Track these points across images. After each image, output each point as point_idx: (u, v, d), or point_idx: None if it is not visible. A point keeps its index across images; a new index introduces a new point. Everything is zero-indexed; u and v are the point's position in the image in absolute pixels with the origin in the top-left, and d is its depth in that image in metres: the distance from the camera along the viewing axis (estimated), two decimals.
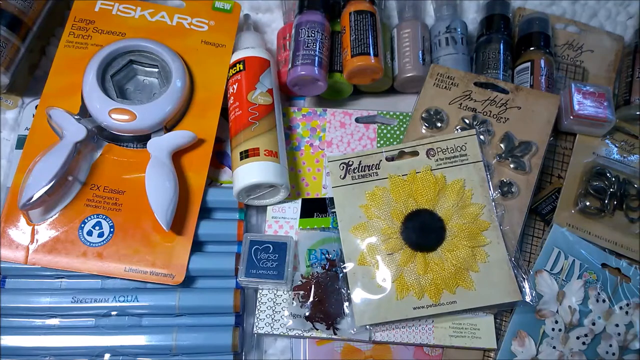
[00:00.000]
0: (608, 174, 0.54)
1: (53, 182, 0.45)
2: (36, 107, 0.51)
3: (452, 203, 0.49)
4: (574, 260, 0.51)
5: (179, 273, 0.47)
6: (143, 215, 0.48)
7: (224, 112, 0.53)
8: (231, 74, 0.53)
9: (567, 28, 0.62)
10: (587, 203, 0.53)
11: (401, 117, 0.56)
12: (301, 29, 0.53)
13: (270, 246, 0.48)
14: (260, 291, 0.49)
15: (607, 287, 0.51)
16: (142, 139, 0.50)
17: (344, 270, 0.47)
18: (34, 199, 0.45)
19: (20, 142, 0.52)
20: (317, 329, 0.48)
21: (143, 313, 0.47)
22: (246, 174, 0.48)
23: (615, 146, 0.56)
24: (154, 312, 0.48)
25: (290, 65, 0.53)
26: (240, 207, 0.51)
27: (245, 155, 0.48)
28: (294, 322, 0.48)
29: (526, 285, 0.47)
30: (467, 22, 0.60)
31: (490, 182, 0.50)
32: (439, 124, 0.53)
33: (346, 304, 0.47)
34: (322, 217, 0.52)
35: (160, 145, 0.49)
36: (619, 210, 0.54)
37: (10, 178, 0.49)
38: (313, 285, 0.48)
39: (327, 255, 0.50)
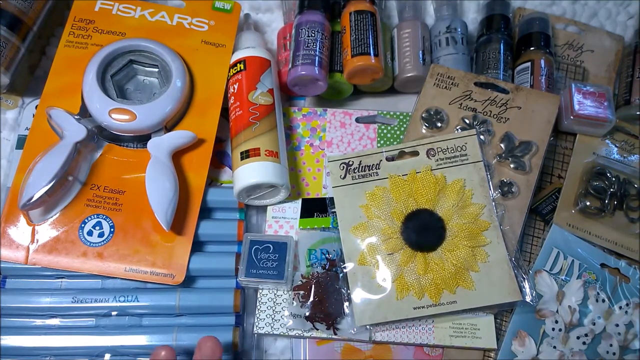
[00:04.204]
0: (608, 174, 0.54)
1: (53, 182, 0.45)
2: (36, 107, 0.51)
3: (452, 203, 0.49)
4: (573, 260, 0.51)
5: (179, 273, 0.47)
6: (143, 215, 0.48)
7: (224, 112, 0.53)
8: (232, 74, 0.53)
9: (567, 28, 0.62)
10: (587, 203, 0.53)
11: (401, 117, 0.56)
12: (301, 29, 0.53)
13: (271, 246, 0.48)
14: (260, 291, 0.49)
15: (607, 287, 0.51)
16: (142, 139, 0.50)
17: (344, 270, 0.47)
18: (34, 199, 0.45)
19: (20, 142, 0.52)
20: (317, 329, 0.48)
21: (143, 313, 0.47)
22: (247, 174, 0.48)
23: (616, 146, 0.56)
24: (154, 312, 0.48)
25: (290, 65, 0.53)
26: (240, 207, 0.52)
27: (245, 155, 0.48)
28: (294, 322, 0.48)
29: (526, 285, 0.47)
30: (467, 22, 0.60)
31: (490, 182, 0.50)
32: (439, 124, 0.53)
33: (346, 304, 0.47)
34: (322, 217, 0.52)
35: (161, 145, 0.49)
36: (619, 210, 0.54)
37: (10, 178, 0.49)
38: (313, 285, 0.48)
39: (327, 255, 0.50)
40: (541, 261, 0.51)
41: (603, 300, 0.50)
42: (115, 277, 0.47)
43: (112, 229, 0.48)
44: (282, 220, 0.52)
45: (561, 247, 0.52)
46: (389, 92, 0.59)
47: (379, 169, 0.50)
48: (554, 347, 0.49)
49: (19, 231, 0.47)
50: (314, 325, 0.47)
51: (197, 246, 0.50)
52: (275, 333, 0.48)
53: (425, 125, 0.53)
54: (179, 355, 0.47)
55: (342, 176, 0.50)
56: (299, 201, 0.53)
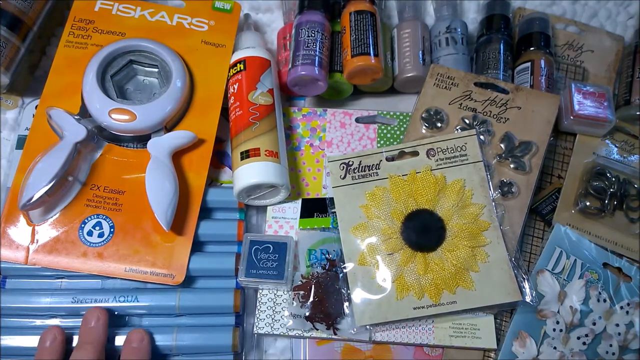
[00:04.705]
0: (608, 174, 0.54)
1: (53, 182, 0.45)
2: (36, 107, 0.51)
3: (452, 203, 0.49)
4: (575, 259, 0.51)
5: (179, 273, 0.47)
6: (143, 215, 0.48)
7: (224, 112, 0.53)
8: (232, 74, 0.53)
9: (567, 28, 0.62)
10: (587, 203, 0.53)
11: (401, 117, 0.56)
12: (301, 29, 0.53)
13: (271, 246, 0.48)
14: (260, 291, 0.49)
15: (609, 286, 0.51)
16: (142, 139, 0.50)
17: (344, 270, 0.47)
18: (34, 199, 0.45)
19: (20, 142, 0.52)
20: (317, 329, 0.48)
21: (143, 313, 0.47)
22: (247, 174, 0.48)
23: (615, 146, 0.56)
24: (154, 312, 0.48)
25: (290, 65, 0.53)
26: (240, 207, 0.51)
27: (245, 155, 0.48)
28: (294, 322, 0.48)
29: (526, 285, 0.47)
30: (467, 22, 0.60)
31: (490, 182, 0.50)
32: (439, 124, 0.53)
33: (346, 304, 0.47)
34: (322, 217, 0.52)
35: (161, 145, 0.49)
36: (619, 211, 0.54)
37: (10, 178, 0.49)
38: (313, 285, 0.48)
39: (327, 255, 0.50)
40: (543, 261, 0.51)
41: (604, 300, 0.50)
42: (115, 277, 0.47)
43: (112, 229, 0.48)
44: (282, 220, 0.52)
45: (564, 246, 0.52)
46: (389, 92, 0.59)
47: (379, 169, 0.50)
48: (555, 347, 0.49)
49: (19, 231, 0.47)
50: (314, 326, 0.47)
51: (197, 246, 0.50)
52: (275, 333, 0.48)
53: (425, 125, 0.53)
54: (179, 355, 0.47)
55: (342, 176, 0.50)
56: (299, 201, 0.53)
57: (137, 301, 0.47)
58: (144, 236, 0.48)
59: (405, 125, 0.55)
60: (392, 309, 0.46)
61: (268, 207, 0.52)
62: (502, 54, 0.56)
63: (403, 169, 0.50)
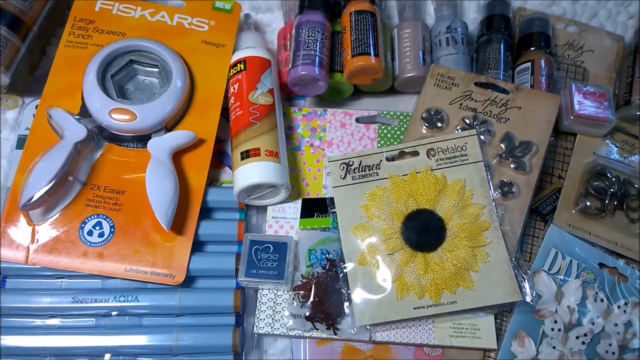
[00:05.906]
0: (608, 174, 0.54)
1: (53, 182, 0.45)
2: (36, 107, 0.51)
3: (452, 203, 0.49)
4: (571, 260, 0.51)
5: (180, 273, 0.47)
6: (143, 215, 0.48)
7: (225, 112, 0.53)
8: (232, 74, 0.53)
9: (567, 28, 0.62)
10: (588, 203, 0.53)
11: (401, 117, 0.56)
12: (301, 29, 0.53)
13: (271, 246, 0.48)
14: (260, 291, 0.49)
15: (605, 286, 0.51)
16: (142, 139, 0.50)
17: (344, 270, 0.48)
18: (34, 199, 0.45)
19: (21, 142, 0.52)
20: (317, 329, 0.48)
21: (143, 313, 0.47)
22: (247, 174, 0.48)
23: (616, 146, 0.56)
24: (155, 312, 0.48)
25: (290, 65, 0.53)
26: (240, 207, 0.52)
27: (246, 155, 0.48)
28: (294, 322, 0.48)
29: (526, 285, 0.47)
30: (467, 22, 0.60)
31: (490, 182, 0.50)
32: (439, 124, 0.53)
33: (346, 304, 0.47)
34: (322, 217, 0.52)
35: (161, 145, 0.49)
36: (620, 211, 0.54)
37: (10, 178, 0.49)
38: (313, 285, 0.48)
39: (327, 255, 0.50)
40: (540, 261, 0.51)
41: (602, 300, 0.50)
42: (116, 277, 0.47)
43: (112, 229, 0.48)
44: (282, 220, 0.52)
45: (559, 247, 0.52)
46: (389, 92, 0.59)
47: (379, 169, 0.50)
48: (554, 347, 0.49)
49: (19, 231, 0.47)
50: (314, 325, 0.47)
51: (197, 246, 0.50)
52: (275, 333, 0.48)
53: (426, 125, 0.53)
54: (179, 355, 0.47)
55: (342, 176, 0.50)
56: (299, 201, 0.53)
57: (137, 301, 0.47)
58: (144, 236, 0.48)
59: (405, 125, 0.55)
60: (392, 309, 0.46)
61: (268, 207, 0.52)
62: (502, 54, 0.57)
63: (403, 169, 0.50)
